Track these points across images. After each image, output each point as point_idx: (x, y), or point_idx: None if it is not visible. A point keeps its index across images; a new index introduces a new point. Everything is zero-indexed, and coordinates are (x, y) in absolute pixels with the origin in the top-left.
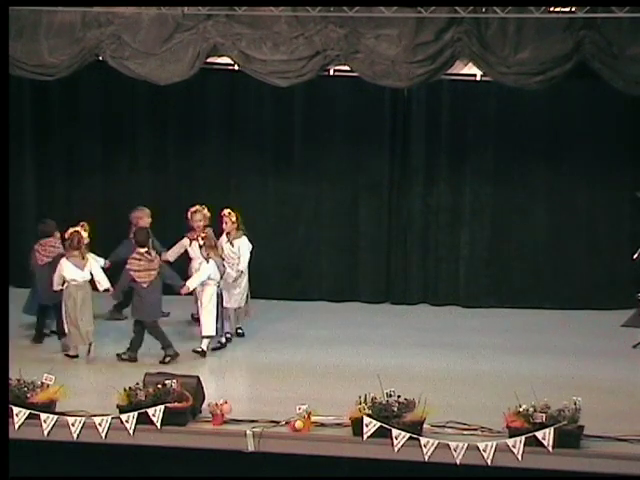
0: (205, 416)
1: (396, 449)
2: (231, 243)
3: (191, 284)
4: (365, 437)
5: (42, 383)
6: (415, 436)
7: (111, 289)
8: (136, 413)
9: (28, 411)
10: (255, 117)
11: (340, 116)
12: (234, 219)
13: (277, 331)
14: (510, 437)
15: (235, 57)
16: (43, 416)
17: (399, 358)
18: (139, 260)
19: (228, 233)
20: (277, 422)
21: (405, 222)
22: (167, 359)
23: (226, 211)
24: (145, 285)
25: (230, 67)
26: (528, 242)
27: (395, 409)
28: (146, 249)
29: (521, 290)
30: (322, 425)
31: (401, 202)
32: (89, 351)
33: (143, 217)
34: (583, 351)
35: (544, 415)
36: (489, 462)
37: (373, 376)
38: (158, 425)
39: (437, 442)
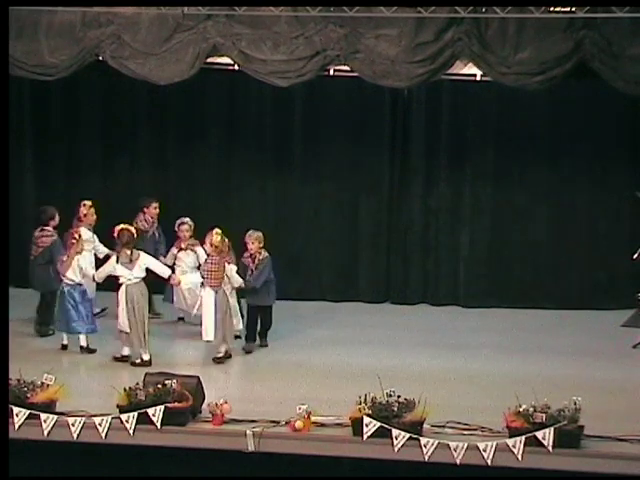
0: (205, 416)
1: (396, 449)
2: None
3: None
4: (365, 437)
5: (42, 383)
6: (415, 436)
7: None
8: (136, 413)
9: (28, 411)
10: (255, 117)
11: (340, 116)
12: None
13: (277, 331)
14: (510, 437)
15: (235, 57)
16: (43, 416)
17: (399, 358)
18: None
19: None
20: (277, 422)
21: (405, 222)
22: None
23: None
24: (32, 258)
25: (230, 67)
26: (528, 242)
27: (395, 409)
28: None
29: (521, 290)
30: (322, 425)
31: (401, 202)
32: None
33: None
34: (583, 351)
35: (544, 415)
36: (489, 462)
37: (373, 376)
38: (158, 425)
39: (437, 442)
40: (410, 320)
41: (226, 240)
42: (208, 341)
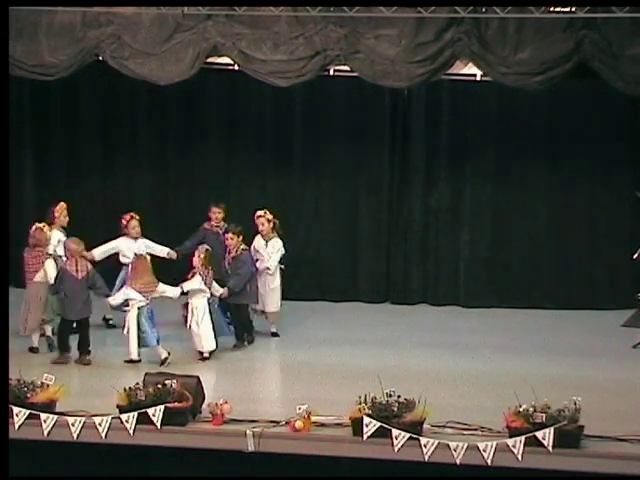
0: (205, 416)
1: (396, 449)
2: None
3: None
4: (365, 437)
5: (42, 383)
6: (415, 436)
7: None
8: (136, 413)
9: (28, 411)
10: (255, 117)
11: (340, 116)
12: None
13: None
14: (510, 437)
15: (235, 57)
16: (43, 416)
17: (399, 358)
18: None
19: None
20: (277, 422)
21: (405, 222)
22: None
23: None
24: None
25: (230, 67)
26: (528, 242)
27: (395, 409)
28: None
29: (521, 290)
30: (322, 425)
31: (401, 202)
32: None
33: None
34: (583, 351)
35: (544, 415)
36: (489, 462)
37: (373, 376)
38: (158, 425)
39: (437, 442)
40: (410, 320)
41: (45, 233)
42: None
